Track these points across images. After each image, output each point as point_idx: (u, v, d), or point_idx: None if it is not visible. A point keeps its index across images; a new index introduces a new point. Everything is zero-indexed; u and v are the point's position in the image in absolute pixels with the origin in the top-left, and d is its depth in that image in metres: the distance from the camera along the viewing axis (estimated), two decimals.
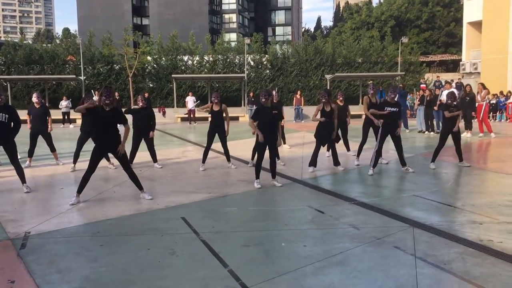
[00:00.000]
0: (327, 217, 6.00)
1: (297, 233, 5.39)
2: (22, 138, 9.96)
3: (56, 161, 10.21)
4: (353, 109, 20.08)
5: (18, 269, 4.35)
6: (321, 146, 9.22)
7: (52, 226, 5.65)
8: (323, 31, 67.21)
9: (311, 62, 28.64)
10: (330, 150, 9.59)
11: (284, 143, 12.03)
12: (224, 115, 9.44)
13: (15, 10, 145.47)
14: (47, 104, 21.30)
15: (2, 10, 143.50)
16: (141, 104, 9.62)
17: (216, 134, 9.53)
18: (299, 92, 24.79)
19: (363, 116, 10.31)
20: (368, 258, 4.58)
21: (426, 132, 15.87)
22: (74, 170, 9.30)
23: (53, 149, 10.18)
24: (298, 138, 15.30)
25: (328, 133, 9.05)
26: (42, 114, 10.04)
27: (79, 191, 6.80)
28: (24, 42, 30.92)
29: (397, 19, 55.58)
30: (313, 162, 9.12)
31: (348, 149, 11.10)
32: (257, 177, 7.77)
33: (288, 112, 21.83)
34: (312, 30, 79.52)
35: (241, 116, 25.11)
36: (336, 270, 4.27)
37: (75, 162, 9.43)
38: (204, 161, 9.55)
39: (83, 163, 8.33)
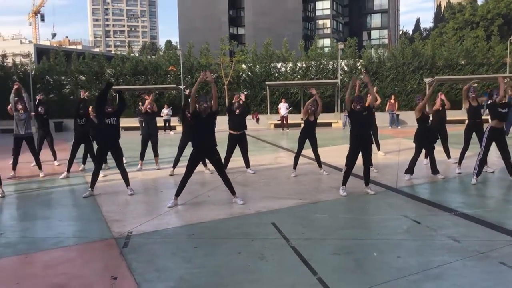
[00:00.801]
0: (424, 228, 5.70)
1: (391, 243, 5.18)
2: (131, 144, 10.75)
3: (156, 166, 10.82)
4: (456, 114, 19.02)
5: (120, 266, 4.67)
6: (420, 153, 8.81)
7: (152, 227, 5.99)
8: (422, 33, 64.25)
9: (409, 66, 27.47)
10: (428, 157, 9.11)
11: (378, 149, 11.67)
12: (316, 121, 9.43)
13: (124, 26, 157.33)
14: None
15: (113, 25, 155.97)
16: (236, 101, 9.87)
17: (307, 140, 9.51)
18: (393, 97, 23.90)
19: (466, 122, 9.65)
20: (470, 273, 4.27)
21: None
22: (173, 174, 9.79)
23: (156, 154, 10.81)
24: (393, 144, 14.74)
25: (428, 137, 8.68)
26: (153, 120, 10.80)
27: (177, 194, 7.15)
28: (131, 54, 33.35)
29: (506, 17, 51.49)
30: (410, 170, 8.73)
31: (448, 156, 10.46)
32: (344, 183, 7.61)
33: (382, 117, 21.17)
34: (410, 32, 76.35)
35: (334, 122, 24.79)
36: (433, 284, 4.04)
37: (174, 167, 9.93)
38: (295, 167, 9.56)
39: (181, 168, 8.75)
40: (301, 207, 6.97)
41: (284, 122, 23.39)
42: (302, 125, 9.68)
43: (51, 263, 4.78)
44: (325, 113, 24.52)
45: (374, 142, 11.06)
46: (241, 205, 7.01)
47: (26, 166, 11.11)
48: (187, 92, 9.60)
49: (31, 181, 9.76)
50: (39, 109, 11.58)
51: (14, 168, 10.13)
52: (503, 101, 8.37)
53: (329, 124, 24.24)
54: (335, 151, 12.84)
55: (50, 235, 5.76)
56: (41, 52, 45.68)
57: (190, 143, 9.28)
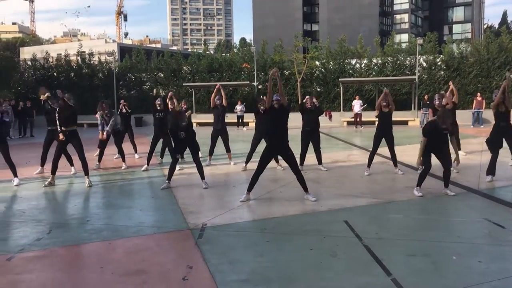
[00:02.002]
0: (508, 232, 5.37)
1: (471, 247, 4.93)
2: (206, 139, 11.06)
3: (229, 161, 11.04)
4: None
5: (195, 256, 4.84)
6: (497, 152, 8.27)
7: (225, 220, 6.14)
8: (509, 26, 60.09)
9: (494, 61, 25.82)
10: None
11: (459, 149, 11.09)
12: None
13: (200, 24, 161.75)
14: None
15: (190, 24, 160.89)
16: (309, 106, 9.83)
17: (383, 139, 9.27)
18: (479, 94, 22.61)
19: None
20: None
21: None
22: (245, 170, 9.96)
23: (228, 150, 11.04)
24: (476, 144, 13.97)
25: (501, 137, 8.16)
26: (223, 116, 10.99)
27: (249, 189, 7.27)
28: (207, 52, 34.24)
29: None
30: (491, 170, 8.24)
31: None
32: (419, 184, 7.33)
33: (465, 116, 20.10)
34: (497, 26, 71.65)
35: (411, 120, 23.92)
36: None
37: (247, 162, 10.09)
38: (369, 165, 9.36)
39: (253, 164, 8.89)
40: (375, 206, 6.82)
41: (358, 119, 22.94)
42: (377, 122, 9.45)
43: (132, 250, 5.06)
44: (402, 111, 23.74)
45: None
46: (313, 202, 6.99)
47: (109, 158, 11.80)
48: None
49: (115, 172, 10.36)
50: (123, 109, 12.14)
51: (99, 159, 10.83)
52: None
53: (405, 122, 23.44)
54: (411, 150, 12.37)
55: (131, 224, 6.09)
56: (124, 50, 48.12)
57: (263, 139, 9.46)
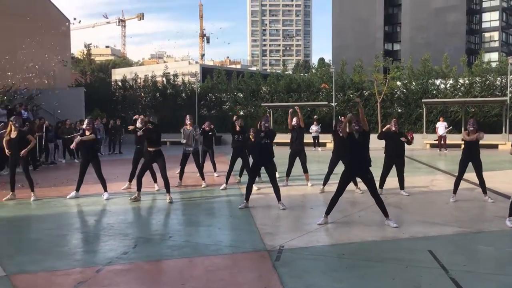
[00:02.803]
0: None
1: None
2: (283, 159, 11.11)
3: (307, 182, 10.98)
4: None
5: (273, 278, 4.83)
6: None
7: (302, 243, 6.09)
8: None
9: None
10: None
11: None
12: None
13: (279, 45, 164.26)
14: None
15: (269, 45, 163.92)
16: (394, 128, 9.55)
17: (470, 163, 8.76)
18: None
19: None
20: None
21: None
22: (323, 192, 9.84)
23: (305, 171, 10.99)
24: None
25: None
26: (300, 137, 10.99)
27: (327, 212, 7.16)
28: (285, 72, 34.60)
29: None
30: None
31: None
32: (511, 214, 6.81)
33: None
34: None
35: (501, 144, 22.40)
36: None
37: (324, 184, 9.98)
38: (455, 191, 8.87)
39: (331, 186, 8.79)
40: (462, 236, 6.43)
41: (442, 142, 21.89)
42: (463, 146, 8.97)
43: (211, 268, 5.16)
44: (491, 134, 22.34)
45: None
46: (394, 228, 6.73)
47: (190, 176, 12.20)
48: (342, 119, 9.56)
49: (194, 190, 10.69)
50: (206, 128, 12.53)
51: (180, 177, 11.25)
52: None
53: (495, 146, 22.01)
54: (502, 176, 11.60)
55: (210, 242, 6.22)
56: (206, 71, 50.01)
57: (340, 161, 9.32)
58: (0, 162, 13.56)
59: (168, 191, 9.09)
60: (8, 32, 24.67)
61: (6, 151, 9.34)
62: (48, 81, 24.23)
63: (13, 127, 9.26)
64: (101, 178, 9.49)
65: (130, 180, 10.69)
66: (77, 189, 9.59)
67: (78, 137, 9.53)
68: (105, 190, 9.51)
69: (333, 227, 6.97)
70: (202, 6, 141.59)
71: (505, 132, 23.25)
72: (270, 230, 6.83)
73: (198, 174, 11.37)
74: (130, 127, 10.29)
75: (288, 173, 11.02)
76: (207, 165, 12.32)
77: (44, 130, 15.69)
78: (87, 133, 9.52)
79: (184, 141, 11.19)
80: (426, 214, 7.88)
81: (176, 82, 34.68)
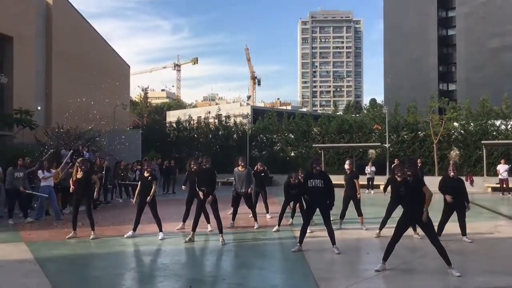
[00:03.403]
0: None
1: None
2: (337, 202, 10.91)
3: (361, 226, 10.69)
4: None
5: None
6: None
7: None
8: None
9: None
10: None
11: None
12: None
13: (330, 86, 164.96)
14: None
15: (320, 86, 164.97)
16: (452, 174, 9.22)
17: None
18: None
19: None
20: None
21: None
22: (378, 236, 9.54)
23: (360, 214, 10.73)
24: None
25: None
26: (351, 180, 10.81)
27: (385, 258, 6.91)
28: (337, 113, 34.53)
29: None
30: None
31: None
32: None
33: None
34: None
35: None
36: None
37: (381, 228, 9.69)
38: None
39: (388, 230, 8.51)
40: None
41: (504, 185, 20.81)
42: None
43: None
44: None
45: None
46: (457, 278, 6.38)
47: (241, 217, 12.20)
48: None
49: (247, 231, 10.66)
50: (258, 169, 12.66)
51: (233, 218, 11.28)
52: None
53: None
54: None
55: (265, 286, 6.12)
56: (257, 112, 50.77)
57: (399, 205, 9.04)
58: (63, 201, 14.19)
59: (220, 232, 9.12)
60: (78, 81, 26.42)
61: (71, 188, 9.83)
62: (108, 123, 25.43)
63: (79, 169, 9.76)
64: (157, 218, 9.69)
65: (184, 220, 10.82)
66: (134, 229, 9.81)
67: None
68: (160, 230, 9.67)
69: (392, 274, 6.69)
70: (248, 50, 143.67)
71: None
72: (325, 275, 6.66)
73: (250, 215, 11.35)
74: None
75: (342, 215, 10.80)
76: (259, 206, 12.28)
77: (104, 171, 16.32)
78: (145, 173, 9.86)
79: (235, 182, 11.30)
80: (491, 262, 7.44)
81: (228, 123, 35.36)
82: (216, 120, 35.86)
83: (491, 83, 51.30)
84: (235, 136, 34.25)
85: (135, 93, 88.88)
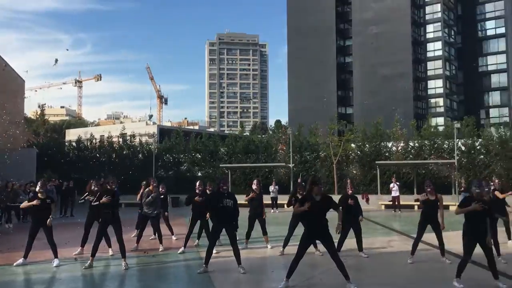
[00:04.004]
0: None
1: None
2: (243, 221, 10.97)
3: (266, 244, 10.85)
4: None
5: None
6: None
7: None
8: None
9: None
10: None
11: (509, 238, 10.68)
12: (439, 204, 8.93)
13: (237, 107, 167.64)
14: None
15: (227, 107, 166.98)
16: (350, 191, 9.74)
17: (429, 226, 8.97)
18: None
19: None
20: None
21: None
22: (282, 254, 9.74)
23: (265, 233, 10.89)
24: None
25: None
26: (259, 200, 10.97)
27: (288, 275, 7.06)
28: (243, 134, 35.11)
29: None
30: None
31: None
32: (458, 275, 6.96)
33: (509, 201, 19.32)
34: None
35: (452, 205, 23.14)
36: None
37: (284, 246, 9.90)
38: (413, 252, 8.99)
39: (290, 247, 8.72)
40: None
41: (396, 203, 22.42)
42: (422, 208, 9.23)
43: None
44: (441, 195, 23.09)
45: (505, 230, 10.28)
46: None
47: (146, 240, 11.80)
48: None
49: (151, 254, 10.30)
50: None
51: (137, 241, 10.87)
52: None
53: (446, 207, 22.66)
54: (455, 237, 11.84)
55: None
56: (164, 132, 49.90)
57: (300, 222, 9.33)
58: None
59: (123, 256, 8.73)
60: None
61: None
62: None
63: None
64: (51, 243, 9.02)
65: (83, 245, 10.19)
66: (25, 256, 9.05)
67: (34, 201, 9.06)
68: (56, 256, 9.01)
69: None
70: (149, 68, 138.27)
71: (455, 193, 24.13)
72: None
73: (154, 237, 11.02)
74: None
75: (248, 235, 10.88)
76: (163, 228, 11.98)
77: None
78: (39, 195, 9.15)
79: (145, 204, 10.93)
80: (386, 276, 7.91)
81: (133, 143, 34.33)
82: (121, 139, 34.67)
83: (384, 107, 55.36)
84: (140, 155, 33.33)
85: (30, 110, 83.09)
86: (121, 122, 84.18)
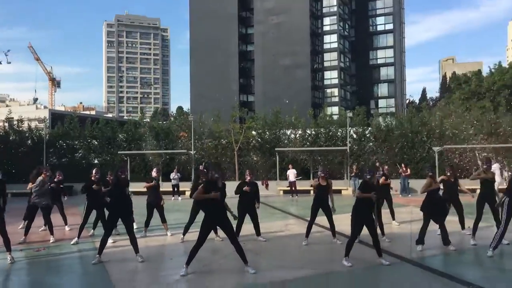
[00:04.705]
0: None
1: None
2: (141, 209, 10.72)
3: (166, 232, 10.72)
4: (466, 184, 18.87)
5: None
6: (429, 223, 8.69)
7: None
8: (429, 103, 65.35)
9: (417, 134, 27.75)
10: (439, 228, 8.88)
11: (393, 219, 11.67)
12: (329, 189, 9.46)
13: (137, 92, 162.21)
14: (160, 177, 22.90)
15: (127, 92, 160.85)
16: (248, 178, 9.93)
17: (321, 209, 9.47)
18: (403, 165, 23.91)
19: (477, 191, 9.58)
20: None
21: None
22: (183, 241, 9.70)
23: (163, 220, 10.74)
24: (405, 213, 14.56)
25: (437, 208, 8.63)
26: (157, 187, 10.76)
27: (188, 262, 7.05)
28: (144, 120, 34.13)
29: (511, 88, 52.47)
30: (420, 240, 8.60)
31: (462, 227, 10.28)
32: (347, 253, 7.50)
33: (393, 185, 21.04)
34: (417, 101, 77.66)
35: (344, 190, 24.68)
36: None
37: (184, 233, 9.86)
38: (307, 235, 9.45)
39: (190, 234, 8.73)
40: (315, 277, 6.83)
41: (293, 188, 23.34)
42: (314, 193, 9.70)
43: None
44: (334, 180, 24.48)
45: (390, 212, 11.19)
46: (252, 274, 6.88)
47: (36, 231, 11.07)
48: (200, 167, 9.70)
49: (41, 246, 9.68)
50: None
51: (26, 233, 10.14)
52: None
53: (338, 191, 24.12)
54: (346, 219, 12.66)
55: None
56: (56, 117, 46.85)
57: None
58: None
59: (8, 249, 8.09)
60: None
61: None
62: None
63: None
64: None
65: None
66: None
67: None
68: None
69: (194, 277, 6.87)
70: (32, 47, 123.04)
71: (347, 178, 25.71)
72: (127, 285, 6.48)
73: (44, 228, 10.37)
74: None
75: (147, 223, 10.66)
76: (55, 218, 11.33)
77: None
78: None
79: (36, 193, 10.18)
80: (282, 258, 8.23)
81: (21, 128, 31.75)
82: (6, 124, 31.87)
83: (284, 96, 57.18)
84: (29, 142, 30.96)
85: None
86: (7, 106, 77.48)
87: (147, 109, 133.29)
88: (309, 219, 9.63)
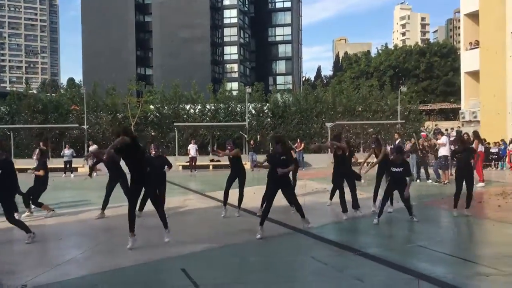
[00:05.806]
0: (330, 269, 5.89)
1: (300, 286, 5.27)
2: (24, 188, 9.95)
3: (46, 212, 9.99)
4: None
5: None
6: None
7: (49, 279, 5.53)
8: (323, 80, 68.47)
9: (312, 111, 29.00)
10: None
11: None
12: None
13: (21, 61, 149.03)
14: (50, 153, 21.43)
15: (9, 61, 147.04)
16: (153, 152, 9.72)
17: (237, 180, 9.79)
18: (299, 140, 24.91)
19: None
20: None
21: (418, 181, 15.62)
22: (102, 217, 9.37)
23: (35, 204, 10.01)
24: (299, 187, 15.21)
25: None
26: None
27: (132, 229, 6.94)
28: (29, 92, 31.51)
29: (396, 68, 56.75)
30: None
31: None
32: (261, 223, 7.68)
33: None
34: (313, 79, 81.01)
35: (243, 164, 25.10)
36: None
37: (103, 208, 9.52)
38: (225, 204, 9.60)
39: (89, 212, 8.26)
40: (211, 251, 6.88)
41: (193, 163, 23.24)
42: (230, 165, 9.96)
43: None
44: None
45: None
46: (148, 251, 6.75)
47: None
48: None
49: None
50: None
51: None
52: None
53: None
54: (245, 193, 12.92)
55: None
56: None
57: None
58: None
59: None
60: None
61: None
62: None
63: None
64: None
65: None
66: None
67: None
68: None
69: (83, 257, 6.58)
70: None
71: (245, 153, 26.14)
72: (10, 268, 6.01)
73: None
74: None
75: (27, 204, 9.87)
76: None
77: None
78: None
79: None
80: (180, 233, 8.14)
81: None
82: None
83: (183, 70, 56.19)
84: None
85: None
86: None
87: (34, 80, 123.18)
88: (209, 193, 9.70)
